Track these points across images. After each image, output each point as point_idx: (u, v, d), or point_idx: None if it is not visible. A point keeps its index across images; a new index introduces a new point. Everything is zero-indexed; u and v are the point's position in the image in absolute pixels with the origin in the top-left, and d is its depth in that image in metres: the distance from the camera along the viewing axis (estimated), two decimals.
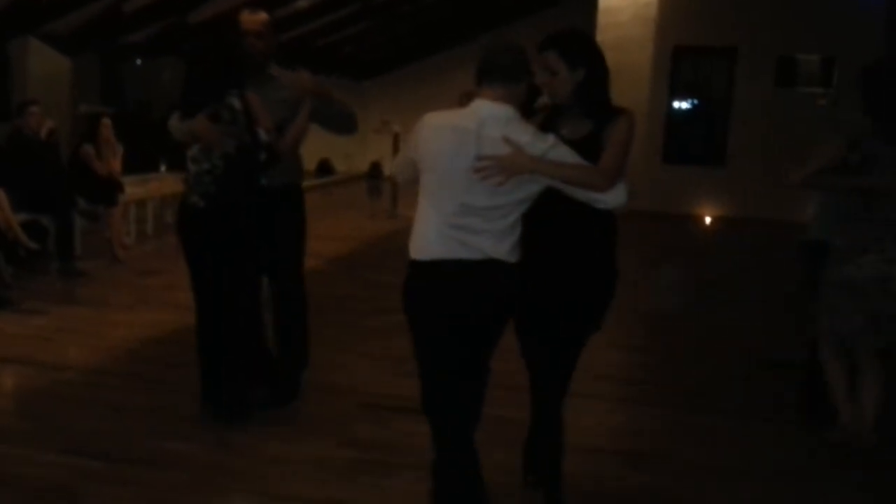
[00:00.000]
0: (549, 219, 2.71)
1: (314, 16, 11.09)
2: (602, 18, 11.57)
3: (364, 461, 3.45)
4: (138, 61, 13.66)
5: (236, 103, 3.52)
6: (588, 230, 2.81)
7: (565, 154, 2.61)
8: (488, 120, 2.57)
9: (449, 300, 2.62)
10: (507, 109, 2.59)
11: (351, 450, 3.55)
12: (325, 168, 15.66)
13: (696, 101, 12.70)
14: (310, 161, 15.64)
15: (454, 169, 2.55)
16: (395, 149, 10.79)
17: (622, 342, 5.31)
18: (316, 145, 15.66)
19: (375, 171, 15.25)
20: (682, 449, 3.79)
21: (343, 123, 4.04)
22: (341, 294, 6.43)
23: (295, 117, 3.72)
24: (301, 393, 4.05)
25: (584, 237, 2.81)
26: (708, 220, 11.88)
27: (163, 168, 10.03)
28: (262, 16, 3.76)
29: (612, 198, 2.65)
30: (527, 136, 2.57)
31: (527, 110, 2.76)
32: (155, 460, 3.36)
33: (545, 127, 2.74)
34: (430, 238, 2.61)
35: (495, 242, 2.58)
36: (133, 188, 8.09)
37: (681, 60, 12.16)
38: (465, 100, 2.70)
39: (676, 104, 12.51)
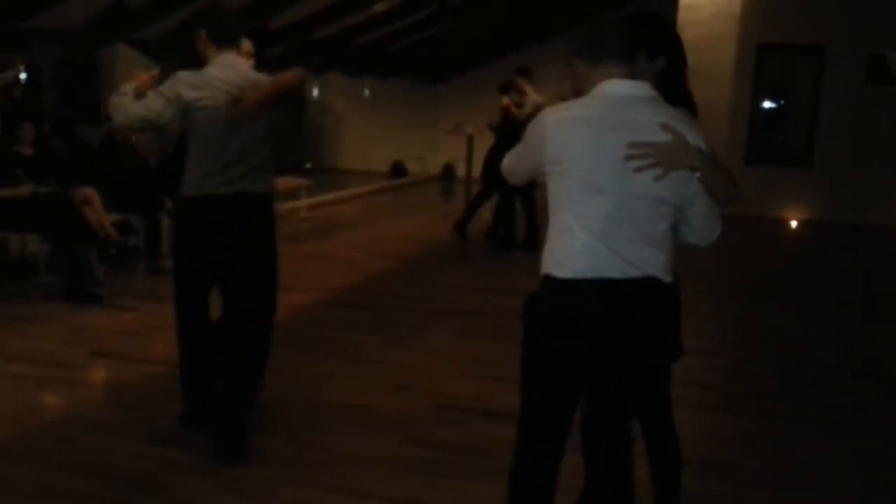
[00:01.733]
0: None
1: (390, 19, 11.20)
2: (683, 15, 11.36)
3: (441, 462, 3.47)
4: None
5: None
6: None
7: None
8: (634, 102, 2.18)
9: (594, 327, 2.19)
10: (650, 89, 2.22)
11: (427, 450, 3.58)
12: (397, 170, 15.82)
13: (780, 101, 12.33)
14: (383, 163, 15.87)
15: (600, 165, 2.14)
16: (469, 150, 10.81)
17: (698, 347, 5.21)
18: (389, 147, 15.89)
19: (448, 172, 15.32)
20: (758, 458, 3.70)
21: None
22: (414, 295, 6.49)
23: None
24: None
25: None
26: (793, 223, 11.52)
27: None
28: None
29: (716, 230, 2.33)
30: (683, 124, 2.17)
31: None
32: None
33: None
34: (573, 250, 2.18)
35: (651, 254, 2.18)
36: None
37: (765, 58, 11.83)
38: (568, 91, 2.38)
39: (760, 103, 12.17)
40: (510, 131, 7.92)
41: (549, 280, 2.23)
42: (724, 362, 5.13)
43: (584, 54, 2.27)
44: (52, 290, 5.91)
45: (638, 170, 2.11)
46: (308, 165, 14.44)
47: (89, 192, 6.29)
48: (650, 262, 2.19)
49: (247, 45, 3.61)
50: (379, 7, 10.37)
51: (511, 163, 2.44)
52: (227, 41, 3.40)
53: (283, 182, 9.08)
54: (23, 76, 8.80)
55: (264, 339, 3.66)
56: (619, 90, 2.20)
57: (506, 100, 8.19)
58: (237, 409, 3.42)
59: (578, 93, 2.31)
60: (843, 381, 4.85)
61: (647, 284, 2.19)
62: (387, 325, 5.57)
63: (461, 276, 7.35)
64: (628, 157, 2.10)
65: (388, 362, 4.75)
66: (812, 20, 11.31)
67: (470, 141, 10.80)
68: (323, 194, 11.48)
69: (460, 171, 12.89)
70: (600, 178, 2.14)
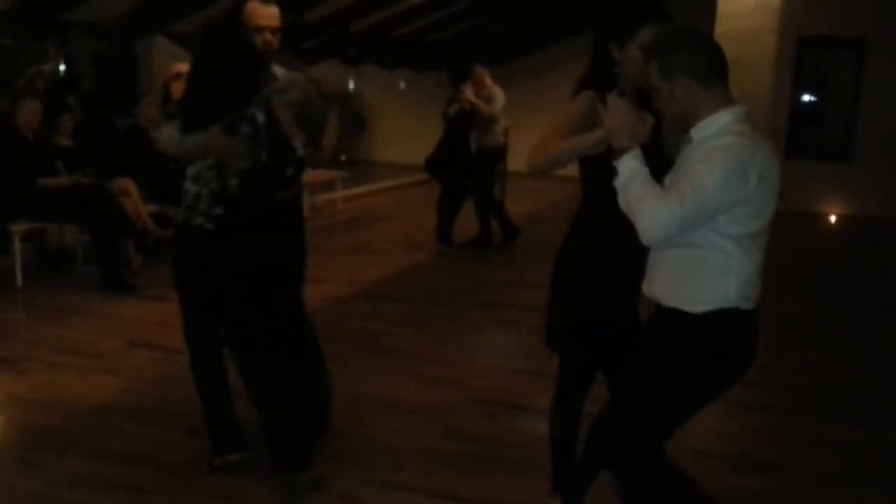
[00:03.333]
0: None
1: (426, 11, 11.15)
2: (723, 7, 11.18)
3: (473, 455, 3.45)
4: None
5: (260, 116, 2.98)
6: None
7: None
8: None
9: (756, 348, 2.35)
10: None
11: (460, 443, 3.55)
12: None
13: (821, 94, 12.08)
14: (418, 156, 15.83)
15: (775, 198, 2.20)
16: (505, 144, 10.74)
17: None
18: (424, 140, 15.84)
19: None
20: (795, 456, 3.63)
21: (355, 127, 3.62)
22: (450, 288, 6.46)
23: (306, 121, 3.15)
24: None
25: None
26: (833, 218, 11.30)
27: None
28: (276, 8, 3.21)
29: None
30: None
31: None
32: None
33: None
34: (754, 283, 2.22)
35: None
36: None
37: (806, 51, 11.59)
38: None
39: (800, 96, 11.93)
40: (465, 126, 7.76)
41: (739, 314, 2.21)
42: (760, 360, 5.04)
43: (696, 75, 2.11)
44: (89, 281, 5.98)
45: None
46: (343, 158, 14.47)
47: (127, 184, 6.34)
48: None
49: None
50: None
51: (692, 211, 2.07)
52: None
53: (318, 174, 9.10)
54: (61, 67, 8.92)
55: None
56: (742, 115, 2.16)
57: (470, 92, 7.81)
58: None
59: (682, 116, 2.17)
60: (883, 381, 4.73)
61: None
62: (421, 317, 5.55)
63: (495, 269, 7.30)
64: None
65: (423, 355, 4.74)
66: (853, 12, 11.04)
67: (505, 134, 10.72)
68: (358, 187, 11.49)
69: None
70: (770, 212, 2.19)
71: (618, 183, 2.20)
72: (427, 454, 3.45)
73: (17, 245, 5.84)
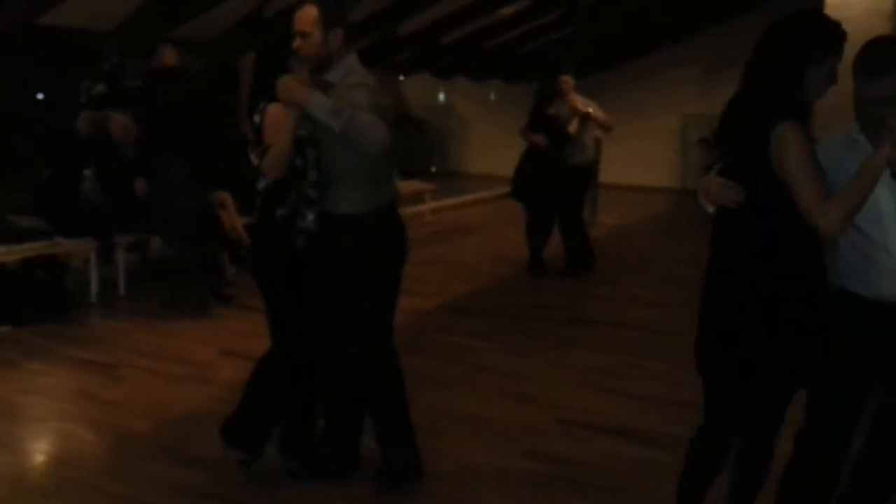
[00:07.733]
0: None
1: (518, 22, 11.12)
2: (830, 13, 10.66)
3: (555, 477, 3.38)
4: None
5: (257, 119, 3.07)
6: None
7: None
8: None
9: None
10: None
11: (541, 464, 3.48)
12: None
13: None
14: (508, 167, 15.76)
15: None
16: (597, 154, 10.57)
17: None
18: (515, 151, 15.77)
19: None
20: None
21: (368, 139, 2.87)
22: (536, 302, 6.38)
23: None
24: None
25: None
26: None
27: None
28: (310, 12, 3.00)
29: None
30: None
31: None
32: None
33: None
34: None
35: None
36: None
37: None
38: None
39: None
40: (557, 142, 7.41)
41: None
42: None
43: None
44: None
45: None
46: (433, 169, 14.57)
47: (225, 196, 6.52)
48: None
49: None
50: (506, 10, 10.32)
51: None
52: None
53: (408, 186, 9.16)
54: None
55: None
56: None
57: (581, 102, 7.53)
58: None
59: None
60: None
61: None
62: (507, 332, 5.49)
63: (583, 283, 7.17)
64: None
65: (508, 371, 4.68)
66: None
67: (597, 144, 10.55)
68: (447, 198, 11.53)
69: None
70: None
71: None
72: (508, 474, 3.39)
73: (120, 255, 6.10)
